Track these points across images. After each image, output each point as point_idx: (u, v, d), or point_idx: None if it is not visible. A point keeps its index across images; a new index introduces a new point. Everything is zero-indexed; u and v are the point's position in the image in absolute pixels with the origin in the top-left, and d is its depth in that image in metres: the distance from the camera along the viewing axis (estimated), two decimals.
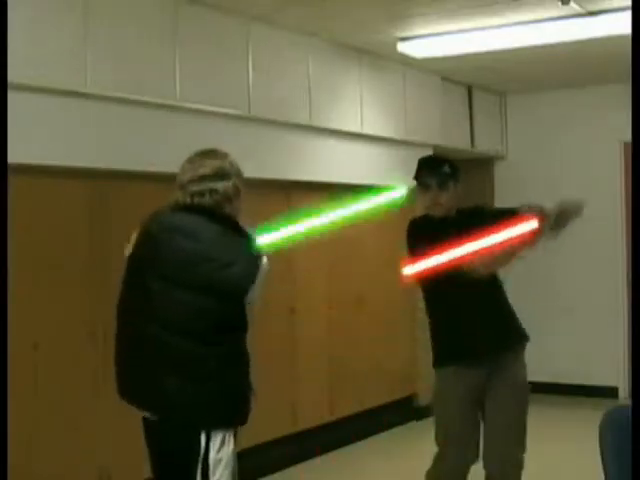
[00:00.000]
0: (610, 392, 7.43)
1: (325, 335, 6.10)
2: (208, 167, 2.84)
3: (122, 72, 4.39)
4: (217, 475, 2.75)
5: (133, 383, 2.85)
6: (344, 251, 6.28)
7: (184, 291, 2.72)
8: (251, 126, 5.21)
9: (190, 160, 2.89)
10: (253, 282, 2.76)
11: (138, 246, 2.89)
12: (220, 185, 2.83)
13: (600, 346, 7.60)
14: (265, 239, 3.08)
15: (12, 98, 3.47)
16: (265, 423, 5.45)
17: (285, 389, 5.69)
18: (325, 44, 5.81)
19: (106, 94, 4.28)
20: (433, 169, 3.85)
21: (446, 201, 3.79)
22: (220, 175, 2.84)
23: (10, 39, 3.52)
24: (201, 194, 2.81)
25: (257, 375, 5.66)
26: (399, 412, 6.84)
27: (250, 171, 5.18)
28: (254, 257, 2.79)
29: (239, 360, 2.84)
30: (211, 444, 2.73)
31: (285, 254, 5.72)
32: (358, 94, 6.19)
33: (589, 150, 7.69)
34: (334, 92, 5.94)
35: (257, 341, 5.54)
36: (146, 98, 4.50)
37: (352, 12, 5.14)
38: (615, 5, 4.96)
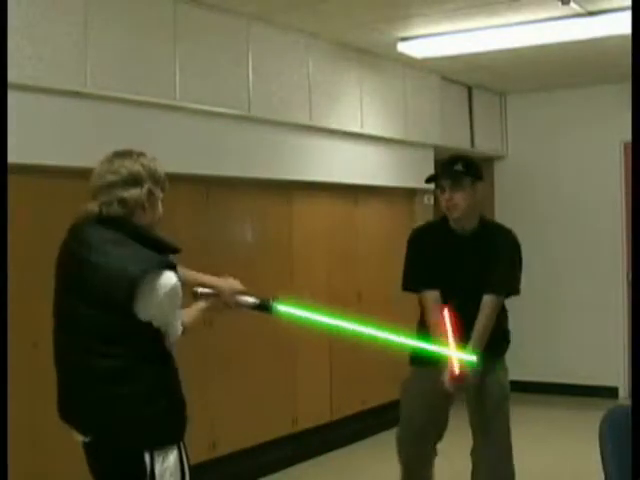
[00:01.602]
0: (610, 392, 7.42)
1: (325, 335, 6.09)
2: (117, 173, 2.63)
3: (122, 72, 4.39)
4: None
5: (67, 405, 2.81)
6: (344, 251, 6.28)
7: (88, 307, 2.60)
8: (251, 126, 5.21)
9: (101, 163, 2.72)
10: (130, 292, 2.47)
11: (58, 263, 2.81)
12: (129, 194, 2.60)
13: (600, 346, 7.59)
14: (286, 309, 3.09)
15: (12, 98, 3.48)
16: (265, 423, 5.46)
17: (285, 389, 5.69)
18: (325, 44, 5.81)
19: (106, 94, 4.28)
20: (445, 168, 3.73)
21: (463, 200, 3.64)
22: (130, 182, 2.61)
23: (10, 39, 3.52)
24: (109, 204, 2.61)
25: (257, 375, 5.68)
26: (399, 412, 6.83)
27: (250, 171, 5.25)
28: (145, 266, 2.50)
29: (153, 378, 2.61)
30: (155, 458, 2.59)
31: (285, 254, 5.74)
32: (358, 94, 6.19)
33: (589, 150, 7.69)
34: (334, 92, 5.94)
35: (257, 341, 5.56)
36: (146, 98, 4.50)
37: (352, 12, 5.15)
38: (615, 5, 4.96)
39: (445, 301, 3.72)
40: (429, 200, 7.22)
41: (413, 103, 6.77)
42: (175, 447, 2.66)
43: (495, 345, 3.76)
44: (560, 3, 4.86)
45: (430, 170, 7.09)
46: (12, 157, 3.13)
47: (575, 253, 7.73)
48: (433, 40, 5.69)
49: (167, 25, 4.66)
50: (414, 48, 5.85)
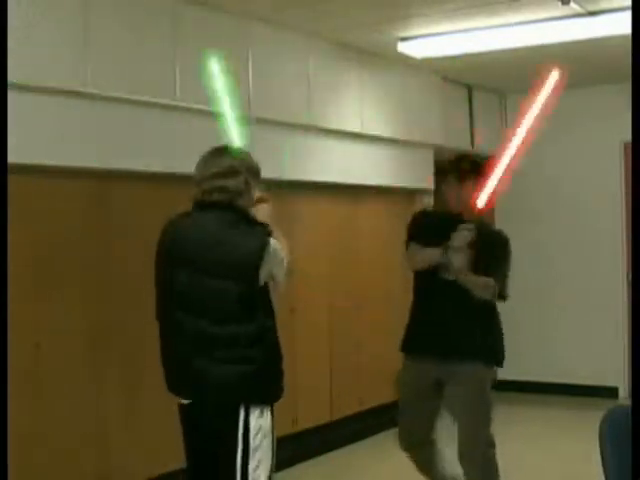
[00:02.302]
0: (610, 392, 7.43)
1: (325, 335, 6.10)
2: (218, 166, 3.05)
3: (122, 72, 4.39)
4: (257, 441, 2.94)
5: (172, 373, 3.07)
6: (344, 251, 6.28)
7: (206, 277, 2.93)
8: (250, 126, 5.20)
9: (204, 158, 3.11)
10: (258, 263, 2.90)
11: (163, 245, 3.09)
12: (230, 182, 3.02)
13: (600, 346, 7.59)
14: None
15: (12, 98, 3.48)
16: None
17: (285, 389, 5.68)
18: (325, 44, 5.81)
19: (106, 94, 4.28)
20: (455, 164, 4.07)
21: (465, 196, 3.92)
22: (230, 173, 3.03)
23: (10, 39, 3.52)
24: (211, 191, 3.02)
25: None
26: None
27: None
28: (260, 240, 2.94)
29: (268, 341, 3.02)
30: (250, 414, 2.93)
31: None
32: (358, 94, 6.19)
33: (589, 150, 7.69)
34: (334, 92, 5.94)
35: None
36: (146, 98, 4.50)
37: (352, 12, 5.14)
38: (615, 5, 4.96)
39: (432, 282, 3.95)
40: (429, 200, 7.22)
41: (413, 103, 6.77)
42: (269, 410, 3.02)
43: (470, 344, 3.90)
44: (560, 3, 4.86)
45: (430, 170, 7.10)
46: (12, 157, 3.13)
47: (575, 253, 7.73)
48: (433, 40, 5.69)
49: (167, 25, 4.66)
50: (414, 48, 5.85)
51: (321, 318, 6.05)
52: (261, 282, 2.96)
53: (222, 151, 3.13)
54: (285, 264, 3.03)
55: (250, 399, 2.96)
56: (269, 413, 3.01)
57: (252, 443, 2.93)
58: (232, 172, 3.04)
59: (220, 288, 2.91)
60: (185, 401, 3.06)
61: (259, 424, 2.96)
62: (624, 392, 7.43)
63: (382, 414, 6.59)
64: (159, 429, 4.72)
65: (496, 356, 3.99)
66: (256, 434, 2.94)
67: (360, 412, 6.36)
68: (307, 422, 5.81)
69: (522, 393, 7.55)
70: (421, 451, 4.18)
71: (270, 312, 3.05)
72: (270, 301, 3.05)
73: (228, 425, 2.93)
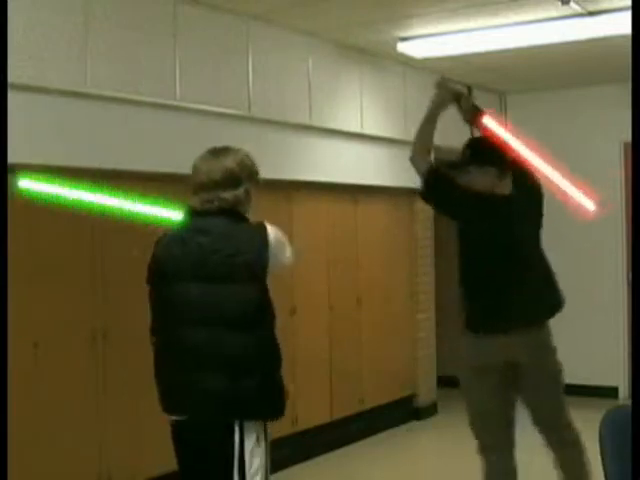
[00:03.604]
0: (610, 392, 7.43)
1: (325, 335, 6.10)
2: (218, 172, 2.89)
3: (122, 72, 4.39)
4: (254, 466, 2.85)
5: (169, 390, 2.95)
6: (344, 251, 6.28)
7: (222, 284, 2.82)
8: (251, 126, 5.21)
9: (202, 159, 2.96)
10: (265, 257, 2.84)
11: (160, 263, 2.93)
12: (229, 194, 2.89)
13: (600, 346, 7.59)
14: None
15: (12, 98, 3.48)
16: None
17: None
18: (325, 44, 5.81)
19: (106, 94, 4.28)
20: (468, 152, 4.06)
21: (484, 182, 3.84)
22: (230, 182, 2.89)
23: (10, 39, 3.52)
24: (210, 202, 2.88)
25: None
26: (399, 412, 6.84)
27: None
28: (260, 235, 2.87)
29: (273, 349, 2.95)
30: (245, 437, 2.83)
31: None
32: (358, 94, 6.19)
33: (589, 150, 7.69)
34: (334, 92, 5.94)
35: None
36: (146, 98, 4.50)
37: (352, 12, 5.15)
38: (615, 5, 4.96)
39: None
40: None
41: (413, 103, 6.76)
42: (263, 430, 2.92)
43: (527, 302, 3.72)
44: (560, 3, 4.86)
45: None
46: (12, 157, 3.14)
47: (575, 253, 7.73)
48: (433, 40, 5.69)
49: (167, 25, 4.66)
50: (414, 48, 5.85)
51: (321, 318, 6.05)
52: (269, 273, 2.88)
53: (222, 153, 2.96)
54: (288, 246, 2.98)
55: (246, 414, 2.86)
56: (264, 436, 2.91)
57: (248, 460, 2.85)
58: (232, 181, 2.89)
59: (238, 292, 2.82)
60: (180, 418, 2.97)
61: (255, 451, 2.87)
62: (624, 392, 7.43)
63: (382, 414, 6.59)
64: (159, 429, 4.71)
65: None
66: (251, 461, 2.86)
67: (360, 412, 6.36)
68: (307, 422, 5.81)
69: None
70: (499, 453, 3.81)
71: (272, 315, 2.97)
72: (271, 303, 2.96)
73: (223, 439, 2.86)
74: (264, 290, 2.88)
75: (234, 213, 2.91)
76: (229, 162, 2.91)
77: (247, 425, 2.84)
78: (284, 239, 2.96)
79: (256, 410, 2.86)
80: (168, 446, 4.82)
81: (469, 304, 3.76)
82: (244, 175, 2.92)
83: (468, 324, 3.72)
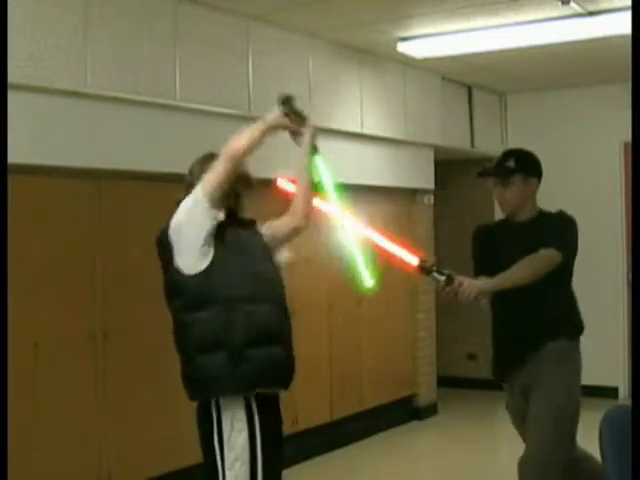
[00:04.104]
0: (610, 392, 7.42)
1: (325, 335, 6.10)
2: (191, 174, 3.05)
3: (122, 72, 4.39)
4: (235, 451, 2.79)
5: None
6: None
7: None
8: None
9: (198, 163, 3.06)
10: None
11: None
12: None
13: (600, 346, 7.58)
14: None
15: (12, 98, 3.48)
16: None
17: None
18: (325, 44, 5.81)
19: (106, 94, 4.28)
20: (497, 164, 3.72)
21: (512, 197, 3.65)
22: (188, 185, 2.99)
23: (10, 39, 3.53)
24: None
25: None
26: (399, 412, 6.84)
27: (250, 171, 5.23)
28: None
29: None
30: (222, 417, 2.81)
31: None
32: (358, 94, 6.19)
33: (589, 150, 7.69)
34: (334, 92, 5.94)
35: None
36: (146, 98, 4.50)
37: (352, 12, 5.14)
38: (615, 5, 4.96)
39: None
40: (429, 200, 7.22)
41: (413, 103, 6.77)
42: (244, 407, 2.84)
43: (542, 327, 3.75)
44: (560, 3, 4.86)
45: (430, 170, 7.10)
46: (12, 157, 3.13)
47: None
48: (433, 40, 5.69)
49: (167, 25, 4.66)
50: (414, 48, 5.85)
51: (321, 318, 6.05)
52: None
53: (212, 158, 3.01)
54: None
55: (219, 391, 2.84)
56: (243, 413, 2.83)
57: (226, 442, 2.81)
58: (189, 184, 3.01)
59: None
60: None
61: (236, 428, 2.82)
62: (624, 392, 7.43)
63: (382, 414, 6.59)
64: (159, 429, 4.72)
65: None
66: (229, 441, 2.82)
67: (360, 412, 6.36)
68: (307, 422, 5.80)
69: None
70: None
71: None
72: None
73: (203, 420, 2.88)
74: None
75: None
76: (198, 165, 3.05)
77: (223, 402, 2.81)
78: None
79: (218, 386, 2.81)
80: (168, 446, 4.84)
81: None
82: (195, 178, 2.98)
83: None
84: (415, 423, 6.92)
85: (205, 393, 2.84)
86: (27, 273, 4.06)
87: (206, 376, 2.81)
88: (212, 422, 2.81)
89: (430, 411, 7.13)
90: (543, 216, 3.77)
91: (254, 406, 2.83)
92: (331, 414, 6.08)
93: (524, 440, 3.66)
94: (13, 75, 3.68)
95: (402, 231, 7.09)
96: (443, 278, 3.37)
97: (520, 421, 3.70)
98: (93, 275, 4.43)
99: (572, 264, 3.79)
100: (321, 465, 5.76)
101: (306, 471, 5.61)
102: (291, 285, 5.73)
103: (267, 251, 3.09)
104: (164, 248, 2.87)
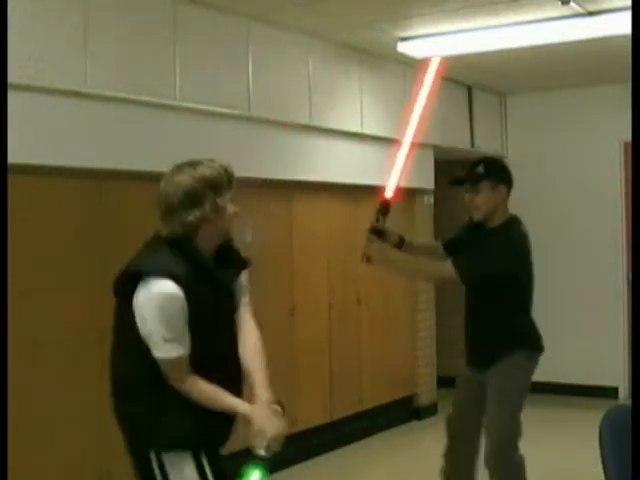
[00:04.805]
0: (610, 392, 7.42)
1: (325, 335, 6.10)
2: (179, 194, 2.56)
3: (122, 72, 4.39)
4: None
5: None
6: (344, 251, 6.28)
7: None
8: (251, 126, 5.21)
9: (165, 180, 2.65)
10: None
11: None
12: (192, 215, 2.56)
13: (600, 346, 7.59)
14: None
15: (12, 98, 3.48)
16: None
17: (285, 389, 5.68)
18: (325, 44, 5.81)
19: (106, 94, 4.28)
20: (468, 170, 3.87)
21: (482, 203, 3.80)
22: (192, 201, 2.56)
23: (10, 39, 3.52)
24: (172, 226, 2.59)
25: None
26: (399, 412, 6.84)
27: (250, 171, 5.24)
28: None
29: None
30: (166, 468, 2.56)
31: (285, 254, 5.74)
32: (358, 94, 6.19)
33: (589, 150, 7.69)
34: (334, 92, 5.94)
35: None
36: (146, 98, 4.50)
37: (352, 12, 5.14)
38: (615, 5, 4.96)
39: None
40: (429, 200, 7.22)
41: (413, 103, 6.76)
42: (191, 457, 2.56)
43: (494, 342, 3.88)
44: (560, 3, 4.86)
45: (430, 170, 7.10)
46: (12, 157, 3.13)
47: (575, 253, 7.73)
48: (433, 40, 5.69)
49: (167, 25, 4.66)
50: (414, 48, 5.85)
51: (321, 318, 6.05)
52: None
53: (182, 170, 2.66)
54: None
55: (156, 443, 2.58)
56: (190, 463, 2.56)
57: None
58: (194, 200, 2.58)
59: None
60: None
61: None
62: (624, 392, 7.43)
63: (381, 414, 6.59)
64: None
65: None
66: None
67: (360, 412, 6.36)
68: (307, 422, 5.81)
69: None
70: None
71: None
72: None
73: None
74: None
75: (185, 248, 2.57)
76: (189, 181, 2.59)
77: (165, 456, 2.55)
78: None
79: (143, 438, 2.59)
80: None
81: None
82: (205, 189, 2.58)
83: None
84: (415, 423, 6.92)
85: None
86: (27, 273, 4.06)
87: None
88: None
89: (430, 411, 7.13)
90: (501, 227, 3.86)
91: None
92: (331, 414, 6.08)
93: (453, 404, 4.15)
94: (13, 75, 3.68)
95: (402, 231, 7.07)
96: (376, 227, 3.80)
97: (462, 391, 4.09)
98: (93, 275, 4.42)
99: (512, 278, 3.76)
100: (321, 465, 5.76)
101: (306, 471, 5.61)
102: (291, 285, 5.77)
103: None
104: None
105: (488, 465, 3.82)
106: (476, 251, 3.75)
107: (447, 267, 3.71)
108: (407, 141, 3.90)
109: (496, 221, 3.83)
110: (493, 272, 3.68)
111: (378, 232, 3.79)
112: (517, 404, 3.88)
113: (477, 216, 3.83)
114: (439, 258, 3.96)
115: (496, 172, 3.85)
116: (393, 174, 3.85)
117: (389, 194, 3.82)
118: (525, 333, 3.98)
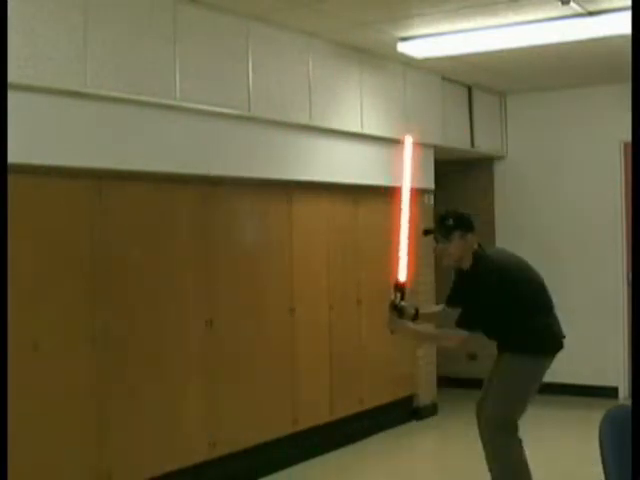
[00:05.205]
0: (610, 392, 7.43)
1: (325, 335, 6.10)
2: None
3: (122, 72, 4.39)
4: None
5: None
6: (344, 251, 6.28)
7: None
8: (251, 126, 5.21)
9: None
10: None
11: None
12: None
13: (600, 346, 7.59)
14: None
15: (12, 98, 3.48)
16: (265, 423, 5.47)
17: (285, 389, 5.69)
18: (325, 44, 5.81)
19: (106, 94, 4.28)
20: (438, 224, 4.36)
21: (454, 250, 4.24)
22: None
23: (10, 39, 3.53)
24: None
25: (257, 375, 5.67)
26: (399, 412, 6.84)
27: (250, 171, 5.25)
28: None
29: None
30: None
31: (285, 254, 5.74)
32: (358, 94, 6.19)
33: (589, 150, 7.69)
34: (334, 92, 5.94)
35: (257, 342, 5.56)
36: (146, 98, 4.50)
37: (352, 12, 5.15)
38: (615, 5, 4.96)
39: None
40: (429, 200, 7.22)
41: (413, 103, 6.77)
42: None
43: (505, 343, 4.31)
44: (560, 3, 4.86)
45: (430, 170, 7.10)
46: (12, 157, 3.14)
47: (575, 253, 7.73)
48: (433, 40, 5.69)
49: (167, 25, 4.66)
50: (414, 48, 5.85)
51: (321, 318, 6.05)
52: None
53: None
54: None
55: None
56: None
57: None
58: None
59: None
60: None
61: None
62: (624, 392, 7.43)
63: (382, 414, 6.59)
64: (159, 429, 4.72)
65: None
66: None
67: (360, 412, 6.36)
68: (307, 422, 5.81)
69: None
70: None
71: None
72: None
73: None
74: None
75: None
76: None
77: None
78: None
79: None
80: (168, 446, 4.84)
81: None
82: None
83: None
84: (415, 423, 6.92)
85: None
86: (27, 273, 4.06)
87: None
88: None
89: (430, 411, 7.13)
90: (472, 267, 4.27)
91: None
92: (331, 414, 6.08)
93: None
94: (13, 75, 3.68)
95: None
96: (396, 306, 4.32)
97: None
98: (93, 275, 4.43)
99: (508, 299, 4.26)
100: (321, 465, 5.76)
101: (306, 471, 5.61)
102: (292, 285, 5.77)
103: None
104: None
105: (482, 437, 4.22)
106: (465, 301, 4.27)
107: (459, 332, 4.18)
108: (405, 216, 4.46)
109: (466, 263, 4.25)
110: (487, 311, 4.15)
111: (397, 309, 4.30)
112: (514, 389, 4.21)
113: (447, 262, 4.31)
114: (452, 317, 4.32)
115: (463, 222, 4.25)
116: (401, 260, 4.34)
117: (402, 278, 4.33)
118: (531, 337, 4.30)
